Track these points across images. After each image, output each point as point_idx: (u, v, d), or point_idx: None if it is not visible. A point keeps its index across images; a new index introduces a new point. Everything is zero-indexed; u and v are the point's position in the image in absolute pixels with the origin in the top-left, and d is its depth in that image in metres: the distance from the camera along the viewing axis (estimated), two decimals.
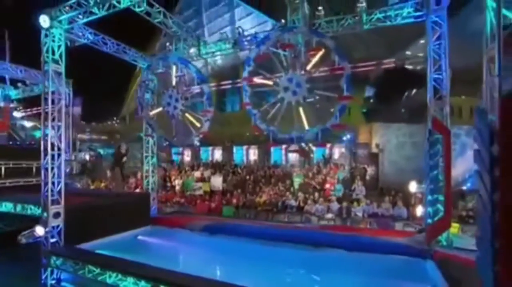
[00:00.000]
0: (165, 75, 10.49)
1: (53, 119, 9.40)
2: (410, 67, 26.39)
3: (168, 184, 18.97)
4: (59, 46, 9.59)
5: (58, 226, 9.24)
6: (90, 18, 9.30)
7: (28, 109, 25.13)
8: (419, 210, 9.88)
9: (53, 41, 9.41)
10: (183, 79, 10.26)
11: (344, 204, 13.90)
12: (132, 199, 11.29)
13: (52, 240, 9.06)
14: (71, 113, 14.53)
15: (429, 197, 8.54)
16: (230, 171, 18.99)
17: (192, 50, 11.53)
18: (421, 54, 22.90)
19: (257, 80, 9.01)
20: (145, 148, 12.04)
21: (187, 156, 27.27)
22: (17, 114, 33.61)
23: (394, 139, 21.39)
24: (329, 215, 13.94)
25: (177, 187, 18.13)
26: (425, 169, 8.66)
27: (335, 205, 14.06)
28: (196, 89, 9.86)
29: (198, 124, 10.12)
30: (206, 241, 10.62)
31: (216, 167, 19.72)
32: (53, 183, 9.18)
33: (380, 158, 20.54)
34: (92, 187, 19.59)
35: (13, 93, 16.34)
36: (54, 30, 9.40)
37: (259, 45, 8.86)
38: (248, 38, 10.49)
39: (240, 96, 35.78)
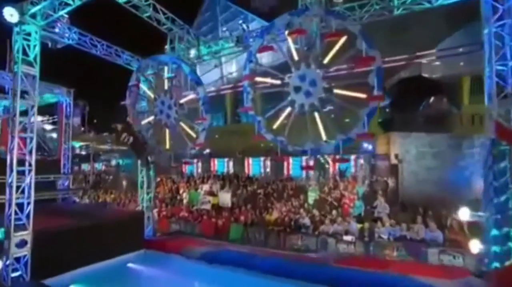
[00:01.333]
0: (157, 78, 8.29)
1: (24, 130, 7.30)
2: (426, 75, 23.45)
3: (178, 197, 16.68)
4: (34, 46, 7.55)
5: (24, 256, 7.03)
6: (65, 10, 7.27)
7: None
8: (475, 245, 7.05)
9: (26, 39, 7.38)
10: (177, 82, 8.01)
11: (366, 224, 11.08)
12: (123, 220, 9.06)
13: (15, 274, 6.83)
14: (71, 124, 12.61)
15: (494, 232, 5.74)
16: (241, 185, 16.49)
17: (193, 52, 9.35)
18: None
19: (260, 78, 6.61)
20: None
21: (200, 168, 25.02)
22: (47, 126, 32.78)
23: (414, 149, 18.37)
24: (349, 237, 11.12)
25: (185, 201, 15.80)
26: (485, 193, 5.91)
27: (355, 226, 11.25)
28: (190, 93, 7.57)
29: (193, 135, 7.79)
30: (203, 271, 8.21)
31: (226, 179, 17.30)
32: (19, 205, 7.02)
33: (399, 169, 17.64)
34: (101, 200, 17.66)
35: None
36: (27, 27, 7.39)
37: (262, 35, 6.48)
38: (254, 34, 8.16)
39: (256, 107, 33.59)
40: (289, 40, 6.15)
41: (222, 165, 25.24)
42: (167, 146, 8.18)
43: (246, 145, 22.64)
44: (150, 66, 8.45)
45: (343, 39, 5.64)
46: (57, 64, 11.61)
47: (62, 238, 7.67)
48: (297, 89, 6.22)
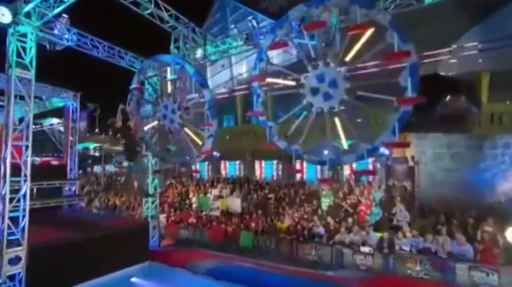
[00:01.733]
0: (160, 80, 7.49)
1: (20, 137, 6.62)
2: (442, 72, 21.93)
3: (187, 201, 15.94)
4: (30, 48, 6.87)
5: (19, 273, 6.36)
6: (60, 8, 6.54)
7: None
8: None
9: (20, 41, 6.70)
10: (181, 84, 7.19)
11: (385, 234, 10.02)
12: (126, 230, 8.33)
13: None
14: (78, 128, 12.00)
15: None
16: (251, 189, 15.61)
17: (199, 52, 8.52)
18: None
19: (272, 79, 5.70)
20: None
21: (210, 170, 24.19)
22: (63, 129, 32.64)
23: (430, 150, 17.09)
24: (366, 249, 10.08)
25: (194, 205, 15.04)
26: None
27: (373, 236, 10.20)
28: (194, 96, 6.73)
29: (199, 141, 6.95)
30: None
31: (236, 184, 16.43)
32: (13, 218, 6.35)
33: (416, 171, 16.41)
34: (110, 203, 17.13)
35: None
36: (22, 28, 6.70)
37: (274, 30, 5.56)
38: (264, 30, 7.23)
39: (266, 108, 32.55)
40: (305, 35, 5.23)
41: (234, 168, 24.23)
42: (171, 154, 7.38)
43: (257, 147, 21.68)
44: (152, 67, 7.67)
45: (369, 32, 4.68)
46: (63, 66, 11.02)
47: (60, 253, 6.96)
48: (315, 91, 5.29)
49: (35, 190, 10.99)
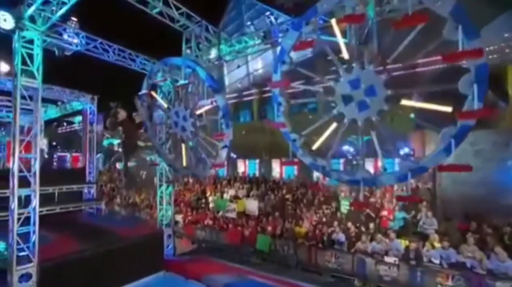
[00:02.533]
0: (171, 85, 6.61)
1: (26, 149, 5.96)
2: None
3: (203, 200, 15.26)
4: (37, 55, 6.13)
5: None
6: (63, 10, 5.73)
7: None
8: None
9: (26, 47, 5.97)
10: (194, 89, 6.29)
11: (412, 244, 8.86)
12: (141, 241, 7.67)
13: None
14: (95, 130, 11.43)
15: None
16: (268, 189, 14.68)
17: (214, 52, 7.56)
18: None
19: (296, 85, 4.66)
20: (158, 175, 8.28)
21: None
22: None
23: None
24: (391, 259, 8.97)
25: (211, 205, 14.34)
26: None
27: (399, 246, 9.07)
28: (207, 103, 5.80)
29: (212, 152, 6.06)
30: None
31: (253, 183, 15.55)
32: (23, 234, 5.75)
33: (437, 171, 14.85)
34: (131, 200, 16.75)
35: (53, 112, 13.85)
36: (28, 33, 5.96)
37: (299, 26, 4.47)
38: (284, 26, 6.13)
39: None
40: (336, 31, 4.13)
41: (254, 167, 23.01)
42: (184, 164, 6.54)
43: (273, 144, 20.47)
44: (162, 71, 6.80)
45: (420, 26, 3.54)
46: (79, 69, 10.40)
47: (72, 268, 6.35)
48: (347, 99, 4.23)
49: (56, 194, 10.60)
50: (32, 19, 5.95)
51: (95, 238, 7.30)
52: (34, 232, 5.90)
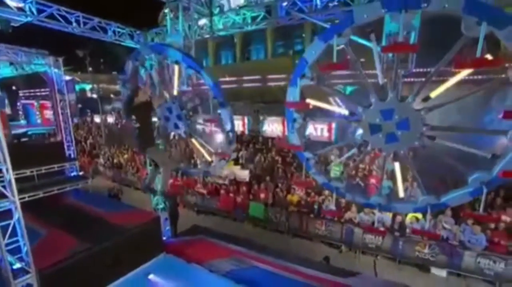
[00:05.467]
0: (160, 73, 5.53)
1: None
2: None
3: (192, 161, 15.00)
4: None
5: None
6: None
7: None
8: None
9: None
10: (189, 81, 5.31)
11: (398, 217, 9.57)
12: (139, 229, 7.56)
13: None
14: (67, 101, 10.00)
15: None
16: (258, 150, 14.55)
17: (203, 22, 6.21)
18: None
19: (315, 102, 3.99)
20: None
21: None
22: None
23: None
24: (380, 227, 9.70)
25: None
26: None
27: (387, 217, 9.75)
28: (209, 117, 4.92)
29: (208, 157, 5.51)
30: None
31: (242, 144, 15.24)
32: (12, 250, 5.39)
33: None
34: (115, 161, 16.14)
35: (7, 71, 11.71)
36: None
37: (327, 37, 3.49)
38: (295, 8, 4.93)
39: (265, 44, 28.41)
40: (375, 51, 3.28)
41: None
42: (178, 161, 6.00)
43: (264, 94, 18.88)
44: (148, 58, 5.51)
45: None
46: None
47: (73, 268, 6.28)
48: (374, 128, 3.69)
49: (36, 176, 9.72)
50: None
51: (91, 232, 7.11)
52: (24, 244, 5.55)
